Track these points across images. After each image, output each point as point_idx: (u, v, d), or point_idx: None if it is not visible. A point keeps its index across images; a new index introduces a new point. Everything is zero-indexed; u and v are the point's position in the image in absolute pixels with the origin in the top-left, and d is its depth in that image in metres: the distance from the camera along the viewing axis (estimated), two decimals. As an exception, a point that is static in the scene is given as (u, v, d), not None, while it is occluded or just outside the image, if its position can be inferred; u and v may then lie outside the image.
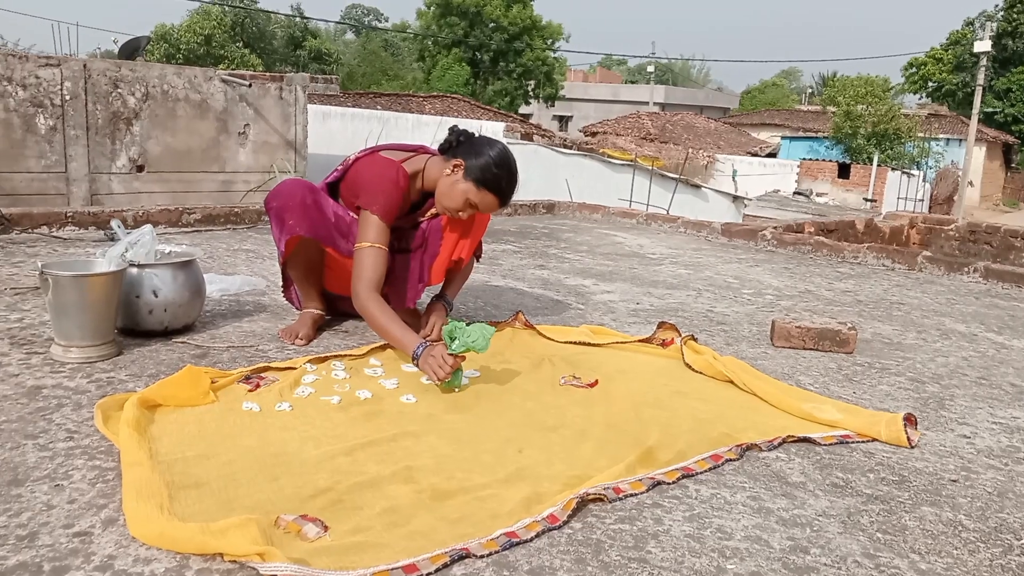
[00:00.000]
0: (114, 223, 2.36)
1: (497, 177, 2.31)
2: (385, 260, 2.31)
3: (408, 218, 2.50)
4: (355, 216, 2.38)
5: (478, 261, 2.77)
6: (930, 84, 38.97)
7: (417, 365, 2.14)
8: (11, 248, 3.52)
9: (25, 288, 2.81)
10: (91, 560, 1.24)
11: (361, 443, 1.70)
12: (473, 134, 2.43)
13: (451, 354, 2.05)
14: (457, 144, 2.38)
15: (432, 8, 32.64)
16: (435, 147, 2.48)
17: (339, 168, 2.47)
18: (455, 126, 2.48)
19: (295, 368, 2.13)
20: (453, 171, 2.32)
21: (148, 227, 2.29)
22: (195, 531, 1.27)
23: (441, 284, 2.63)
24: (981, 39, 24.67)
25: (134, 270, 2.24)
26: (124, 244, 2.20)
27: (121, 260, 2.18)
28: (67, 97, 8.30)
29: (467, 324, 2.11)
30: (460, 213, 2.36)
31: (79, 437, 1.66)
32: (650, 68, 46.74)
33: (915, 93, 40.31)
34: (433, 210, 2.47)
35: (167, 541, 1.28)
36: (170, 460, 1.56)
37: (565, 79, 37.67)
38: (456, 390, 2.07)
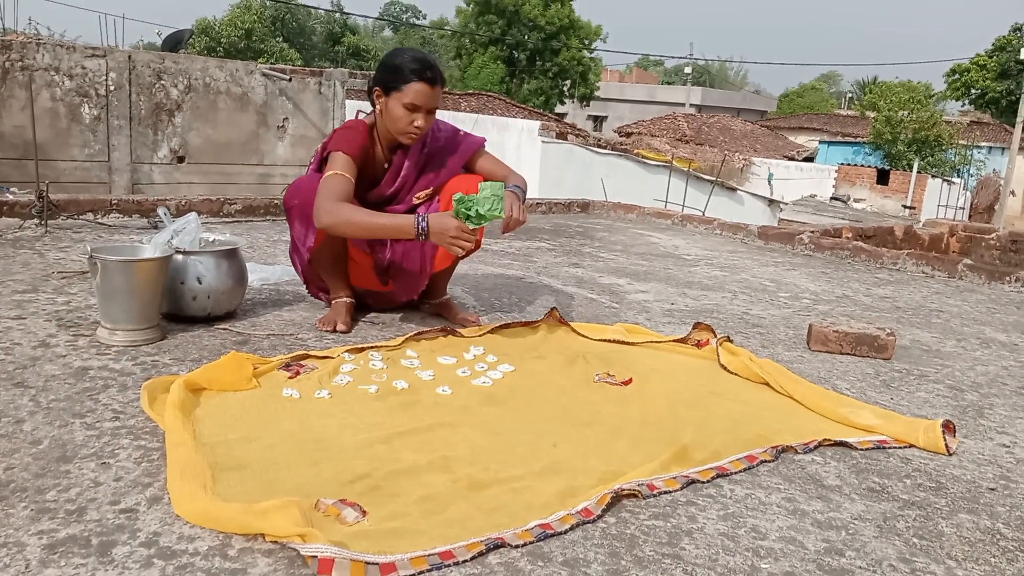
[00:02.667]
0: (161, 210, 2.41)
1: (404, 68, 2.31)
2: (350, 187, 2.28)
3: (386, 183, 2.48)
4: (372, 211, 2.34)
5: None
6: (973, 91, 38.28)
7: (428, 239, 2.15)
8: (58, 233, 3.61)
9: (72, 272, 2.88)
10: (137, 536, 1.27)
11: (398, 431, 1.72)
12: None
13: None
14: (370, 83, 2.43)
15: (471, 6, 32.72)
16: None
17: (320, 147, 2.50)
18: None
19: (334, 357, 2.16)
20: (378, 100, 2.36)
21: (193, 215, 2.33)
22: (238, 511, 1.30)
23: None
24: (1028, 45, 24.18)
25: (179, 257, 2.29)
26: (170, 231, 2.25)
27: (167, 247, 2.22)
28: (111, 88, 8.47)
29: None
30: (414, 124, 2.33)
31: (124, 417, 1.71)
32: (687, 69, 46.39)
33: (957, 100, 39.62)
34: (427, 190, 2.46)
35: (210, 520, 1.31)
36: (213, 442, 1.60)
37: (601, 79, 37.52)
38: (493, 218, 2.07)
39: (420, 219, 2.13)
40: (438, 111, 2.44)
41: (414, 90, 2.31)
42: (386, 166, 2.49)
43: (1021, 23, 36.19)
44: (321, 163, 2.44)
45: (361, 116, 2.49)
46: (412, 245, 2.47)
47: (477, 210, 2.06)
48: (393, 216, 2.21)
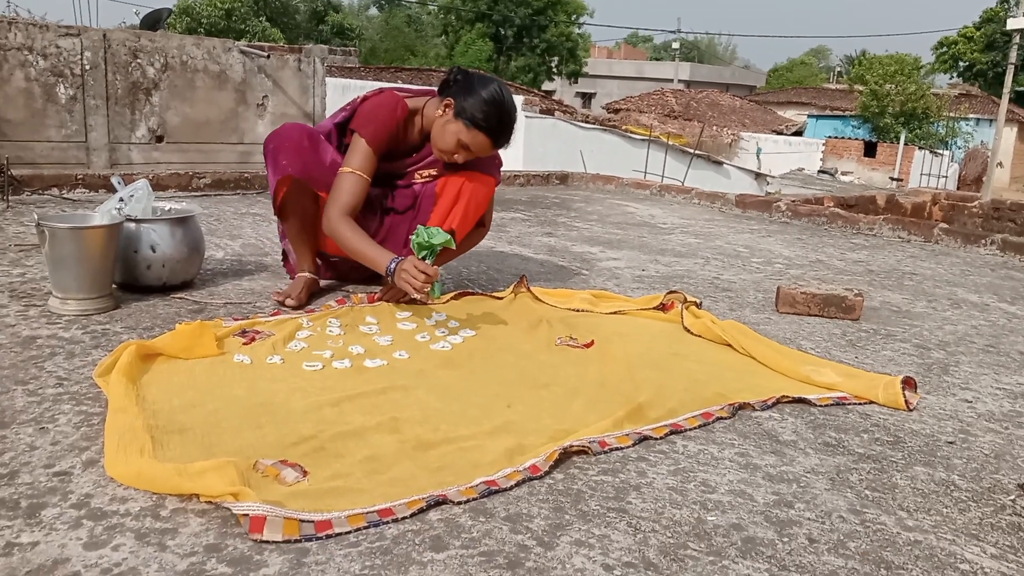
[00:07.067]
0: (114, 179, 2.36)
1: (487, 115, 2.22)
2: (365, 189, 2.26)
3: (406, 162, 2.44)
4: (364, 237, 2.26)
5: (485, 228, 2.63)
6: (961, 64, 38.24)
7: (392, 281, 2.11)
8: (20, 208, 3.55)
9: (30, 245, 2.83)
10: (68, 498, 1.24)
11: (349, 395, 1.69)
12: (471, 73, 2.35)
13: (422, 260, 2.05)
14: (453, 83, 2.31)
15: (456, -18, 32.45)
16: None
17: (347, 107, 2.41)
18: (455, 67, 2.41)
19: (290, 320, 2.12)
20: (444, 111, 2.26)
21: (143, 181, 2.29)
22: (172, 472, 1.27)
23: None
24: (1015, 16, 24.05)
25: (132, 225, 2.25)
26: (117, 197, 2.20)
27: (116, 213, 2.18)
28: (87, 67, 8.33)
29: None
30: (455, 156, 2.28)
31: (68, 384, 1.67)
32: (675, 45, 46.13)
33: (946, 72, 39.57)
34: (432, 172, 2.41)
35: (144, 481, 1.28)
36: (156, 408, 1.56)
37: (589, 56, 37.32)
38: (435, 300, 2.05)
39: (393, 262, 2.09)
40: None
41: (478, 140, 2.24)
42: (413, 143, 2.42)
43: (1008, -6, 36.06)
44: (345, 123, 2.37)
45: (398, 90, 2.35)
46: (396, 224, 2.44)
47: (432, 244, 2.06)
48: (378, 249, 2.17)
